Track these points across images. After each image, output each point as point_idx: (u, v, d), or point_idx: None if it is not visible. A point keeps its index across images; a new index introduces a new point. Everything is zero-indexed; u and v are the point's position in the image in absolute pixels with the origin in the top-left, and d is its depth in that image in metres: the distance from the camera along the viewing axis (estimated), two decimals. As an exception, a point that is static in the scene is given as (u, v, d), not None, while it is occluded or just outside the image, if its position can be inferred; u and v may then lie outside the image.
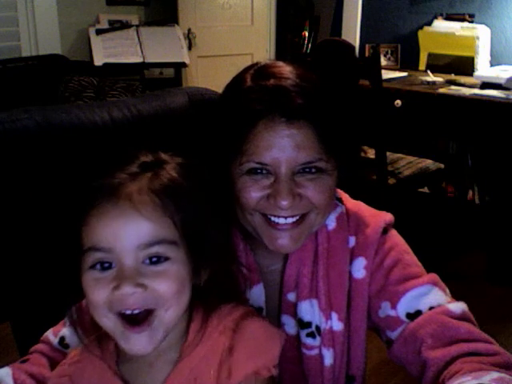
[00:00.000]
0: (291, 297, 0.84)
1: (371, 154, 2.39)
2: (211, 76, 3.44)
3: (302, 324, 0.83)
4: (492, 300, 2.35)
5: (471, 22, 3.12)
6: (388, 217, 0.86)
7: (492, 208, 2.77)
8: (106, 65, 2.90)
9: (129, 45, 3.02)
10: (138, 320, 0.62)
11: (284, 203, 0.74)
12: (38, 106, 1.02)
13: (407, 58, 3.33)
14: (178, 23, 3.36)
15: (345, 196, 0.89)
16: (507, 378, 0.63)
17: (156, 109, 1.11)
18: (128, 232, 0.62)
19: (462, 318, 0.75)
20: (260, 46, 3.91)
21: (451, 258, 2.67)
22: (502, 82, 2.61)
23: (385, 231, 0.84)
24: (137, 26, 3.16)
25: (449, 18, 3.19)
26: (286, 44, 4.11)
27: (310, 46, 4.06)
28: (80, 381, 0.69)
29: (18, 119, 0.96)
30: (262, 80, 0.76)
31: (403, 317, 0.78)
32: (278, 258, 0.85)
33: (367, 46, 3.47)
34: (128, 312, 0.62)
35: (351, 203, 0.88)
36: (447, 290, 0.81)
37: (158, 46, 3.06)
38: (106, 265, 0.63)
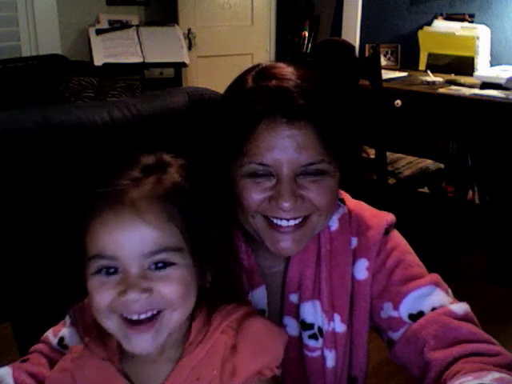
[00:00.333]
0: (293, 298, 0.84)
1: (371, 153, 2.39)
2: (211, 76, 3.43)
3: (305, 325, 0.82)
4: (492, 300, 2.35)
5: (471, 22, 3.12)
6: (390, 217, 0.86)
7: (492, 208, 2.77)
8: (105, 65, 2.90)
9: (129, 45, 3.01)
10: (141, 321, 0.62)
11: (286, 205, 0.74)
12: (38, 106, 1.02)
13: (407, 57, 3.33)
14: (178, 23, 3.36)
15: (346, 196, 0.89)
16: (508, 378, 0.63)
17: (156, 109, 1.11)
18: (132, 241, 0.61)
19: (464, 318, 0.75)
20: (260, 46, 3.91)
21: (451, 258, 2.67)
22: (502, 82, 2.61)
23: (386, 232, 0.84)
24: (137, 25, 3.16)
25: (449, 18, 3.19)
26: (286, 44, 4.11)
27: (310, 45, 4.06)
28: (81, 376, 0.69)
29: (18, 119, 0.96)
30: (263, 81, 0.76)
31: (405, 318, 0.78)
32: (280, 259, 0.85)
33: (367, 45, 3.47)
34: (135, 317, 0.62)
35: (353, 203, 0.88)
36: (449, 291, 0.80)
37: (158, 46, 3.06)
38: (112, 270, 0.63)
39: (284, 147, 0.73)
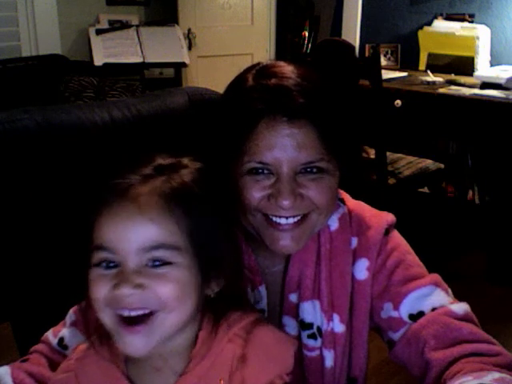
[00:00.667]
0: (293, 298, 0.84)
1: (371, 153, 2.39)
2: (211, 76, 3.43)
3: (304, 325, 0.82)
4: (492, 300, 2.35)
5: (471, 21, 3.12)
6: (390, 217, 0.86)
7: (492, 208, 2.77)
8: (105, 65, 2.90)
9: (129, 45, 3.02)
10: (135, 320, 0.62)
11: (285, 203, 0.74)
12: (37, 106, 1.02)
13: (407, 57, 3.33)
14: (178, 23, 3.36)
15: (346, 196, 0.89)
16: (508, 378, 0.63)
17: (156, 109, 1.11)
18: (132, 234, 0.62)
19: (464, 318, 0.75)
20: (260, 46, 3.91)
21: (451, 258, 2.67)
22: (502, 82, 2.61)
23: (387, 232, 0.84)
24: (137, 25, 3.16)
25: (449, 18, 3.20)
26: (286, 44, 4.11)
27: (310, 45, 4.06)
28: (84, 377, 0.69)
29: (17, 119, 0.96)
30: (263, 79, 0.76)
31: (406, 318, 0.78)
32: (280, 259, 0.85)
33: (367, 45, 3.47)
34: (126, 313, 0.61)
35: (353, 203, 0.88)
36: (449, 291, 0.80)
37: (158, 46, 3.06)
38: (111, 264, 0.63)
39: (284, 146, 0.73)
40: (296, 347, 0.70)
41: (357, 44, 3.54)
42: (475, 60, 2.96)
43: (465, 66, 2.97)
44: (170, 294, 0.62)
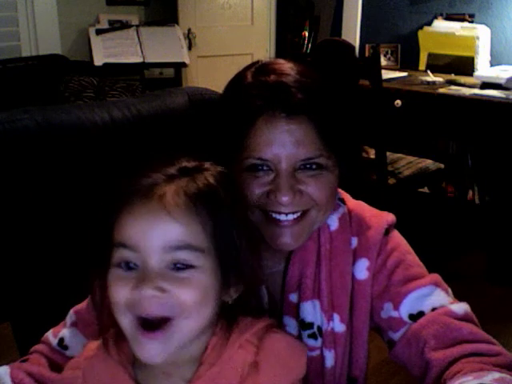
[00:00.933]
0: (293, 298, 0.84)
1: (371, 153, 2.39)
2: (211, 76, 3.43)
3: (304, 325, 0.82)
4: (492, 300, 2.35)
5: (471, 21, 3.12)
6: (390, 217, 0.86)
7: (492, 208, 2.77)
8: (105, 65, 2.90)
9: (129, 45, 3.02)
10: (153, 325, 0.60)
11: (284, 199, 0.74)
12: (37, 106, 1.02)
13: (407, 58, 3.33)
14: (178, 23, 3.36)
15: (346, 196, 0.89)
16: (508, 379, 0.63)
17: (156, 109, 1.11)
18: (156, 232, 0.60)
19: (464, 318, 0.75)
20: (260, 46, 3.91)
21: (451, 258, 2.67)
22: (502, 82, 2.61)
23: (387, 232, 0.84)
24: (137, 26, 3.16)
25: (449, 18, 3.19)
26: (286, 44, 4.11)
27: (310, 45, 4.06)
28: (91, 377, 0.68)
29: (17, 119, 0.96)
30: (262, 76, 0.77)
31: (406, 318, 0.78)
32: (280, 259, 0.85)
33: (367, 45, 3.47)
34: (144, 315, 0.60)
35: (353, 203, 0.88)
36: (450, 291, 0.80)
37: (158, 46, 3.06)
38: (131, 265, 0.62)
39: (283, 142, 0.74)
40: (306, 352, 0.69)
41: (357, 44, 3.54)
42: (475, 60, 2.96)
43: (465, 65, 2.97)
44: (191, 299, 0.61)
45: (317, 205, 0.78)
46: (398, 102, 2.60)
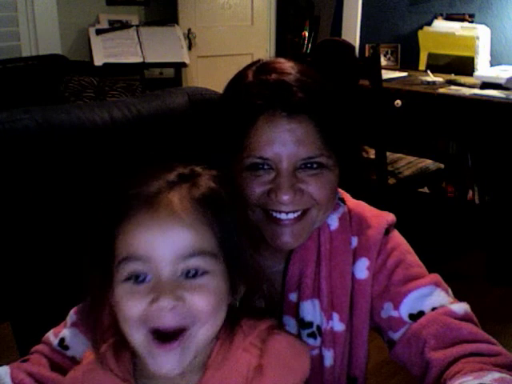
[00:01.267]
0: (293, 297, 0.84)
1: (371, 153, 2.39)
2: (211, 76, 3.43)
3: (304, 324, 0.82)
4: (492, 300, 2.35)
5: (471, 22, 3.12)
6: (390, 217, 0.86)
7: (492, 208, 2.77)
8: (105, 65, 2.90)
9: (129, 45, 3.02)
10: (168, 337, 0.59)
11: (285, 198, 0.74)
12: (38, 106, 1.02)
13: (407, 57, 3.33)
14: (178, 23, 3.36)
15: (346, 196, 0.89)
16: (508, 378, 0.63)
17: (156, 109, 1.11)
18: (168, 240, 0.59)
19: (464, 318, 0.75)
20: (260, 46, 3.91)
21: (451, 258, 2.67)
22: (502, 82, 2.61)
23: (387, 232, 0.84)
24: (137, 26, 3.16)
25: (449, 18, 3.19)
26: (286, 44, 4.11)
27: (310, 45, 4.06)
28: None
29: (18, 119, 0.96)
30: (263, 75, 0.77)
31: (406, 318, 0.78)
32: (280, 259, 0.85)
33: (367, 45, 3.47)
34: (161, 327, 0.58)
35: (353, 203, 0.88)
36: (450, 291, 0.80)
37: (158, 46, 3.06)
38: (141, 277, 0.59)
39: (283, 141, 0.74)
40: (309, 353, 0.69)
41: (357, 44, 3.54)
42: (475, 60, 2.96)
43: (465, 66, 2.97)
44: (208, 306, 0.60)
45: (317, 204, 0.78)
46: (398, 102, 2.60)
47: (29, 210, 0.97)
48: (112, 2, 3.32)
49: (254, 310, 0.70)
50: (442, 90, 2.63)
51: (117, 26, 3.18)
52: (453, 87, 2.68)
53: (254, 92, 0.75)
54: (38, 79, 2.71)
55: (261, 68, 0.79)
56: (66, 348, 0.80)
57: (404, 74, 3.05)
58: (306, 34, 4.07)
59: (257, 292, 0.70)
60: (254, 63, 0.82)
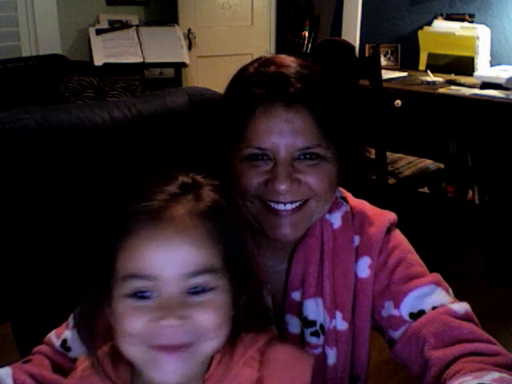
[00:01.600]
0: (296, 296, 0.84)
1: (371, 154, 2.39)
2: (211, 76, 3.43)
3: (307, 323, 0.82)
4: (492, 300, 2.35)
5: (471, 22, 3.12)
6: (392, 216, 0.86)
7: (492, 208, 2.77)
8: (105, 65, 2.90)
9: (129, 45, 3.01)
10: (172, 348, 0.58)
11: (282, 187, 0.75)
12: (37, 106, 1.02)
13: (407, 57, 3.33)
14: (178, 23, 3.36)
15: (348, 195, 0.89)
16: (508, 378, 0.63)
17: (156, 109, 1.11)
18: (173, 259, 0.58)
19: (464, 318, 0.75)
20: (260, 46, 3.91)
21: (451, 258, 2.67)
22: (502, 82, 2.61)
23: (388, 230, 0.84)
24: (137, 26, 3.16)
25: (449, 18, 3.19)
26: (286, 44, 4.11)
27: (310, 45, 4.06)
28: None
29: (18, 119, 0.96)
30: (263, 68, 0.78)
31: (406, 316, 0.78)
32: (283, 258, 0.85)
33: (367, 45, 3.47)
34: (165, 344, 0.58)
35: (355, 202, 0.88)
36: (450, 290, 0.80)
37: (158, 46, 3.06)
38: (146, 293, 0.58)
39: (281, 131, 0.74)
40: (313, 361, 0.68)
41: (357, 44, 3.54)
42: (475, 60, 2.96)
43: (465, 66, 2.97)
44: (213, 322, 0.59)
45: (315, 195, 0.78)
46: (398, 102, 2.60)
47: (29, 209, 0.97)
48: (112, 2, 3.31)
49: (254, 319, 0.69)
50: (442, 90, 2.63)
51: (117, 26, 3.18)
52: (453, 87, 2.68)
53: (253, 82, 0.77)
54: (38, 79, 2.71)
55: (262, 62, 0.81)
56: (68, 349, 0.80)
57: (404, 74, 3.05)
58: (306, 33, 4.07)
59: (257, 298, 0.70)
60: (257, 59, 0.83)
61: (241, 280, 0.64)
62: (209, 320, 0.58)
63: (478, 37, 2.95)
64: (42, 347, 0.81)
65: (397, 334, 0.79)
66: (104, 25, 3.17)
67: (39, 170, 0.97)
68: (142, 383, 0.64)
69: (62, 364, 0.78)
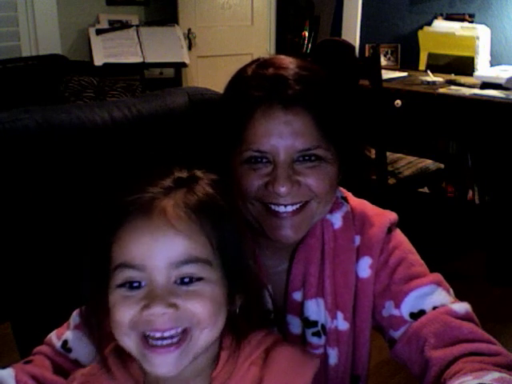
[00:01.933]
0: (297, 296, 0.84)
1: (371, 153, 2.39)
2: (211, 76, 3.43)
3: (308, 323, 0.82)
4: (492, 300, 2.35)
5: (471, 22, 3.12)
6: (392, 216, 0.86)
7: (492, 208, 2.77)
8: (105, 65, 2.90)
9: (129, 45, 3.01)
10: (164, 340, 0.59)
11: (282, 189, 0.75)
12: (37, 106, 1.02)
13: (407, 57, 3.33)
14: (178, 23, 3.36)
15: (349, 195, 0.89)
16: (508, 378, 0.63)
17: (156, 109, 1.11)
18: (161, 248, 0.59)
19: (465, 318, 0.75)
20: (260, 46, 3.91)
21: (451, 258, 2.67)
22: (502, 82, 2.61)
23: (389, 230, 0.84)
24: (137, 26, 3.16)
25: (449, 18, 3.19)
26: (286, 44, 4.11)
27: (310, 45, 4.06)
28: None
29: (18, 119, 0.96)
30: (261, 69, 0.78)
31: (407, 316, 0.78)
32: (284, 258, 0.85)
33: (367, 45, 3.47)
34: (158, 335, 0.59)
35: (356, 202, 0.88)
36: (451, 291, 0.80)
37: (158, 46, 3.06)
38: (136, 284, 0.60)
39: (280, 133, 0.74)
40: (317, 363, 0.68)
41: (357, 44, 3.54)
42: (475, 60, 2.96)
43: (465, 66, 2.97)
44: (205, 311, 0.60)
45: (316, 196, 0.78)
46: (398, 102, 2.60)
47: (29, 209, 0.97)
48: (112, 2, 3.32)
49: (256, 319, 0.69)
50: (442, 90, 2.63)
51: (117, 26, 3.18)
52: (453, 87, 2.68)
53: (252, 84, 0.76)
54: (38, 79, 2.71)
55: (260, 64, 0.80)
56: (69, 350, 0.79)
57: (404, 74, 3.05)
58: (306, 33, 4.07)
59: (258, 297, 0.70)
60: (254, 61, 0.83)
61: (237, 277, 0.64)
62: (198, 308, 0.59)
63: (478, 37, 2.95)
64: (43, 348, 0.81)
65: (397, 334, 0.79)
66: (104, 25, 3.17)
67: (39, 169, 0.97)
68: (153, 377, 0.65)
69: (63, 365, 0.78)
